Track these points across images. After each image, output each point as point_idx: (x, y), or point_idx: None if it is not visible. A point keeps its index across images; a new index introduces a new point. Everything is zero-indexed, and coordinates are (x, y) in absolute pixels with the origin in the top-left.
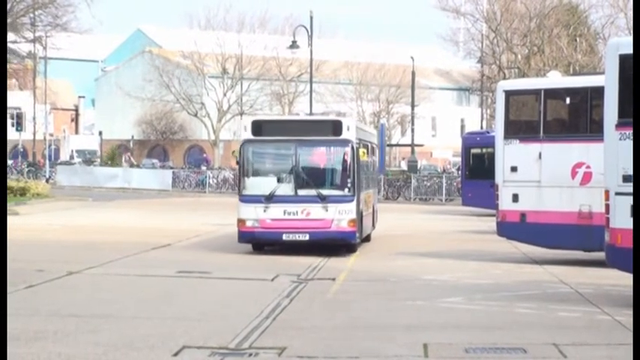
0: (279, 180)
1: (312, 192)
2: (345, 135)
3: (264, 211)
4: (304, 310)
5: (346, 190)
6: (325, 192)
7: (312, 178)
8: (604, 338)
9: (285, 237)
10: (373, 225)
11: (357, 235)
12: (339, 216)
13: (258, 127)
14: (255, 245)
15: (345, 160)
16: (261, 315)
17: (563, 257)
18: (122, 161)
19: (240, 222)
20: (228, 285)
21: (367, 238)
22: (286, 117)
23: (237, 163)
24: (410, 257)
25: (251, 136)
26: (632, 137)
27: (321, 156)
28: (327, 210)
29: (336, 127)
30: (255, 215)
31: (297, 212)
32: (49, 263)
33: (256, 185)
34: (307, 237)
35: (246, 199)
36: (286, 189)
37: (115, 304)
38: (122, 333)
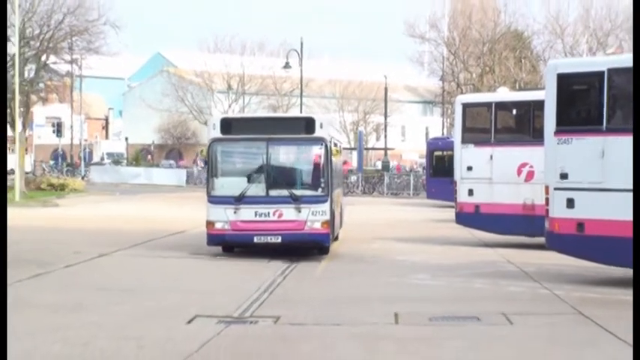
0: (249, 180)
1: (285, 192)
2: (318, 133)
3: (235, 212)
4: (296, 286)
5: (320, 190)
6: (298, 192)
7: (284, 178)
8: (545, 308)
9: (256, 239)
10: (340, 224)
11: (331, 236)
12: (312, 217)
13: (228, 125)
14: (225, 247)
15: (318, 159)
16: (259, 290)
17: (511, 242)
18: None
19: (209, 224)
20: (232, 265)
21: (335, 238)
22: (257, 115)
23: (206, 163)
24: (385, 242)
25: (220, 135)
26: (567, 142)
27: (293, 155)
28: (300, 211)
29: (308, 124)
30: (225, 217)
31: (268, 213)
32: (84, 246)
33: (226, 186)
34: (279, 239)
35: (216, 201)
36: (257, 189)
37: (139, 280)
38: (145, 305)
